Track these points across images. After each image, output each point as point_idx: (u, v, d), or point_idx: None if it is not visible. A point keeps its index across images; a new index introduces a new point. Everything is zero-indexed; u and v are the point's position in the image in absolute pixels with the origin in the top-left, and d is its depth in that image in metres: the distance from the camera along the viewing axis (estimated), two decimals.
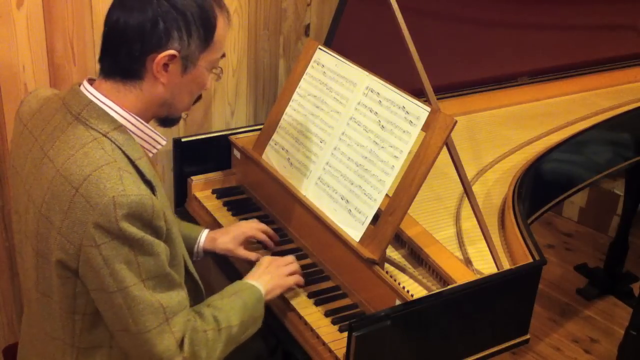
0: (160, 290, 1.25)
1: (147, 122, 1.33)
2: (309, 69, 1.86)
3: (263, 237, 1.76)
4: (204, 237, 1.72)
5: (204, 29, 1.28)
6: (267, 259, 1.61)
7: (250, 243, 1.77)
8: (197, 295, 1.48)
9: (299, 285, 1.64)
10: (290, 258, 1.65)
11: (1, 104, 1.87)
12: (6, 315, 2.12)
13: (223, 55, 1.36)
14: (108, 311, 1.25)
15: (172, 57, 1.26)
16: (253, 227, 1.76)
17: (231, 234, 1.73)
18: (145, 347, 1.26)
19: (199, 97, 1.40)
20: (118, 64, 1.27)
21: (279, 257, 1.63)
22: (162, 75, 1.27)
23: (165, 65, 1.27)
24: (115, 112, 1.28)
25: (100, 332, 1.31)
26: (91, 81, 1.33)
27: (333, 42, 2.02)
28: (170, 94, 1.31)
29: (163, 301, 1.25)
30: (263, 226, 1.77)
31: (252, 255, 1.72)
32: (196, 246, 1.71)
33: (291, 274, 1.61)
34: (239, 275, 1.76)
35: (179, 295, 1.28)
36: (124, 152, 1.25)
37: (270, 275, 1.56)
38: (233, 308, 1.41)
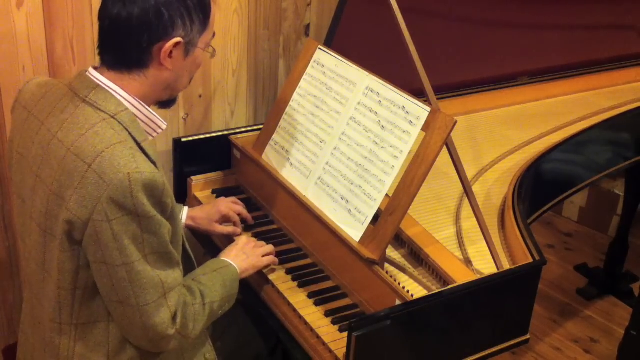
0: (160, 267, 1.30)
1: (150, 106, 1.38)
2: (309, 69, 1.86)
3: (236, 218, 1.83)
4: (184, 215, 1.79)
5: (203, 13, 1.34)
6: (243, 239, 1.69)
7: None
8: (191, 270, 1.53)
9: (272, 265, 1.71)
10: (262, 243, 1.72)
11: (1, 103, 1.87)
12: (6, 315, 2.12)
13: (214, 35, 1.42)
14: (107, 283, 1.29)
15: (177, 44, 1.31)
16: (228, 206, 1.83)
17: (206, 212, 1.82)
18: (142, 319, 1.30)
19: (192, 77, 1.45)
20: (124, 56, 1.31)
21: (250, 239, 1.71)
22: (167, 62, 1.32)
23: (170, 52, 1.31)
24: (121, 96, 1.32)
25: (99, 307, 1.34)
26: (95, 68, 1.36)
27: (333, 42, 2.02)
28: (174, 77, 1.37)
29: (162, 277, 1.30)
30: (239, 205, 1.86)
31: (226, 230, 1.81)
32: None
33: (266, 254, 1.68)
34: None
35: (175, 273, 1.33)
36: (130, 134, 1.29)
37: (246, 255, 1.64)
38: (215, 285, 1.49)
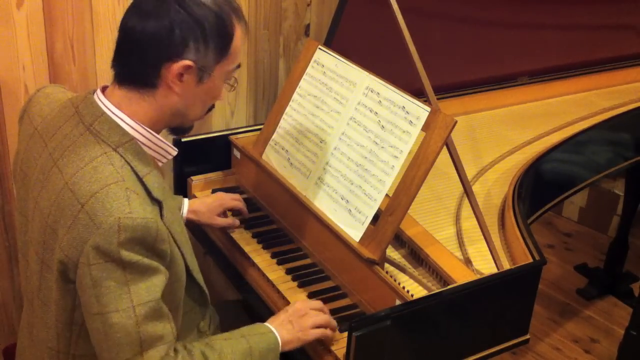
0: (144, 320, 1.19)
1: (160, 131, 1.33)
2: (309, 69, 1.86)
3: (239, 205, 1.85)
4: (185, 208, 1.77)
5: (221, 40, 1.26)
6: (295, 307, 1.48)
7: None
8: (202, 301, 1.48)
9: (327, 338, 1.49)
10: (318, 304, 1.51)
11: (1, 104, 1.88)
12: (6, 315, 2.12)
13: (238, 66, 1.35)
14: (90, 332, 1.24)
15: (188, 67, 1.24)
16: (228, 198, 1.84)
17: (208, 206, 1.80)
18: None
19: (212, 107, 1.39)
20: (132, 71, 1.26)
21: (307, 304, 1.50)
22: (176, 85, 1.26)
23: (180, 75, 1.25)
24: (127, 124, 1.27)
25: None
26: (104, 88, 1.31)
27: (333, 42, 2.02)
28: (184, 103, 1.29)
29: (142, 332, 1.19)
30: (237, 197, 1.87)
31: (225, 222, 1.81)
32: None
33: (318, 325, 1.46)
34: (235, 270, 1.77)
35: (164, 329, 1.23)
36: (132, 168, 1.24)
37: (292, 326, 1.44)
38: (234, 352, 1.33)
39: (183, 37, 1.22)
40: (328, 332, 1.48)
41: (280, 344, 1.41)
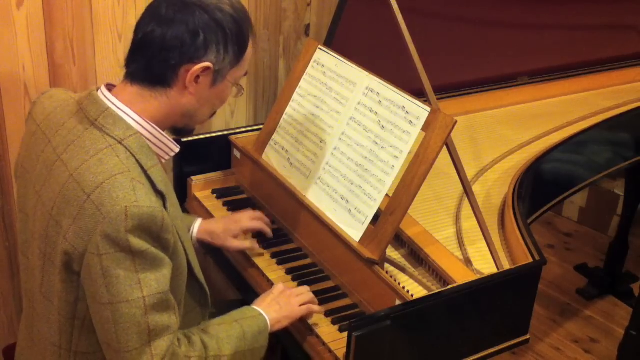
0: (152, 311, 1.22)
1: (164, 130, 1.34)
2: (309, 69, 1.86)
3: (259, 227, 1.77)
4: (196, 227, 1.74)
5: (238, 45, 1.31)
6: (279, 288, 1.56)
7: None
8: (202, 299, 1.48)
9: (313, 312, 1.56)
10: (303, 288, 1.59)
11: (1, 104, 1.88)
12: (6, 315, 2.12)
13: (245, 73, 1.39)
14: (98, 322, 1.25)
15: (206, 69, 1.28)
16: (248, 219, 1.76)
17: (223, 227, 1.74)
18: None
19: (214, 112, 1.42)
20: (150, 70, 1.28)
21: (291, 288, 1.58)
22: (192, 86, 1.29)
23: (197, 77, 1.28)
24: (132, 119, 1.29)
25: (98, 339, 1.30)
26: (109, 87, 1.33)
27: (333, 42, 2.02)
28: (195, 105, 1.33)
29: (151, 322, 1.22)
30: (258, 216, 1.79)
31: (243, 244, 1.74)
32: (189, 236, 1.71)
33: (303, 304, 1.54)
34: (235, 270, 1.77)
35: (170, 319, 1.25)
36: (137, 161, 1.25)
37: (279, 306, 1.51)
38: (229, 336, 1.38)
39: (206, 40, 1.26)
40: (314, 307, 1.55)
41: (269, 326, 1.48)
